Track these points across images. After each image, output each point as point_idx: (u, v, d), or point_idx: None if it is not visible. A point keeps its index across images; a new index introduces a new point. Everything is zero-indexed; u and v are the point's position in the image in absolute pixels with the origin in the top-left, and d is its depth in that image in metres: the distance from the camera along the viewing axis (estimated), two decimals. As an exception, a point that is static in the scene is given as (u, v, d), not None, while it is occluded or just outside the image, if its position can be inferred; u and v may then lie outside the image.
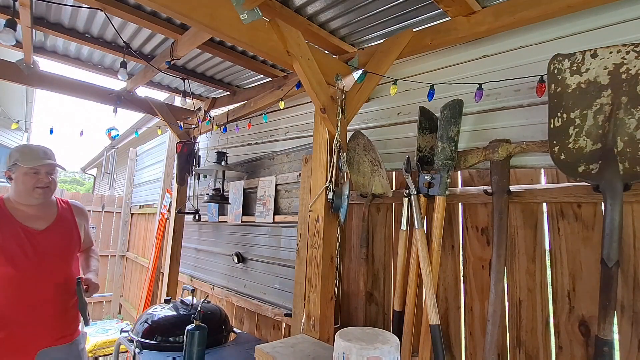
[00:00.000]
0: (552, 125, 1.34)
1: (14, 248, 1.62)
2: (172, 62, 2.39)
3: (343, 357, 1.12)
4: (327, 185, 1.85)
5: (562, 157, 1.33)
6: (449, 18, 1.71)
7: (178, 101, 3.60)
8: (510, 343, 1.52)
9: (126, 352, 2.33)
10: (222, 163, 3.10)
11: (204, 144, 3.98)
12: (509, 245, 1.56)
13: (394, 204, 2.06)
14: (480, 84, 1.60)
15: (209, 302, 2.69)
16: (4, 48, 2.47)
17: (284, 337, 2.47)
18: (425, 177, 1.73)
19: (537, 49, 1.60)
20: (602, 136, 1.27)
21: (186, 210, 3.57)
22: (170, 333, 2.26)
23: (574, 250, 1.40)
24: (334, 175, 1.85)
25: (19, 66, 2.62)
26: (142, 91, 3.35)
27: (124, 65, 2.40)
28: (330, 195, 1.82)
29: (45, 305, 1.71)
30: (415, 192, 1.74)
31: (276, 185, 2.79)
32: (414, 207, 1.73)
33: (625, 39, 1.37)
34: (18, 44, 2.40)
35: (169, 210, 4.18)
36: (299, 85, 2.23)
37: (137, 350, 2.14)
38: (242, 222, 3.12)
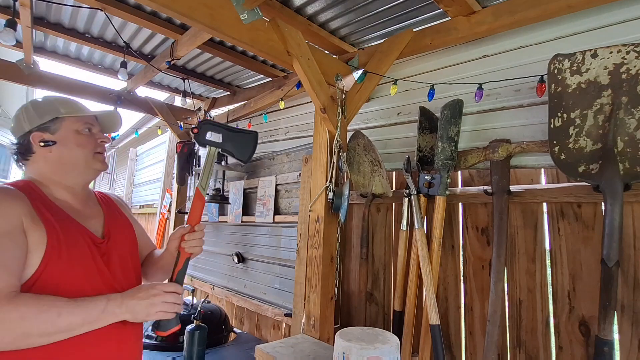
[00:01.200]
0: (552, 125, 1.34)
1: (93, 276, 0.98)
2: (172, 62, 2.39)
3: (343, 357, 1.12)
4: (327, 185, 1.85)
5: (563, 157, 1.33)
6: (449, 18, 1.71)
7: (178, 101, 3.60)
8: (510, 343, 1.52)
9: (126, 352, 2.33)
10: (222, 163, 3.10)
11: (204, 144, 3.97)
12: (509, 245, 1.56)
13: (394, 204, 2.06)
14: (481, 84, 1.60)
15: (209, 302, 2.69)
16: (4, 48, 2.47)
17: (284, 337, 2.47)
18: (426, 177, 1.73)
19: (537, 49, 1.60)
20: (602, 136, 1.27)
21: (186, 210, 3.56)
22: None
23: (574, 250, 1.40)
24: (334, 175, 1.85)
25: (19, 66, 2.62)
26: (142, 91, 3.35)
27: (124, 65, 2.40)
28: (330, 195, 1.82)
29: None
30: (415, 192, 1.74)
31: (276, 185, 2.79)
32: (414, 207, 1.73)
33: (626, 38, 1.37)
34: (18, 44, 2.40)
35: (169, 210, 4.18)
36: (299, 85, 2.23)
37: (137, 350, 2.14)
38: (242, 222, 3.12)
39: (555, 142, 1.34)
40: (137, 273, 1.19)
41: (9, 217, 0.88)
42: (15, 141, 1.05)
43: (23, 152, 1.04)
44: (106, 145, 1.13)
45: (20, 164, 1.07)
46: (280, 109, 2.80)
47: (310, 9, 1.85)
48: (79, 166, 1.05)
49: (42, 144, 1.02)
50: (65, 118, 1.05)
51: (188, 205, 3.64)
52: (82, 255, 0.97)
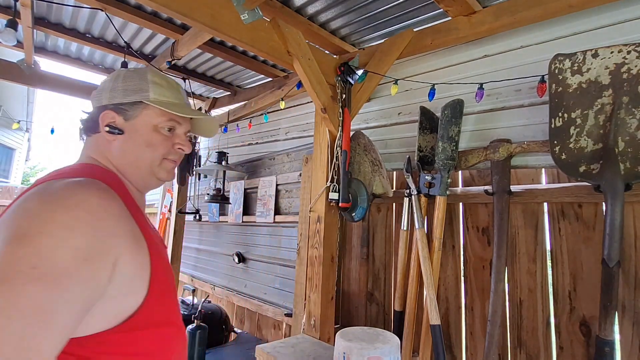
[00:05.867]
0: (553, 125, 1.34)
1: (173, 289, 0.81)
2: (172, 62, 2.39)
3: (344, 357, 1.12)
4: (328, 185, 1.85)
5: (563, 157, 1.33)
6: (449, 18, 1.70)
7: (179, 101, 3.61)
8: (511, 343, 1.52)
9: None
10: (223, 163, 3.10)
11: (205, 143, 3.98)
12: (510, 245, 1.56)
13: (394, 204, 2.06)
14: (481, 84, 1.59)
15: (209, 302, 2.69)
16: (5, 48, 2.48)
17: (284, 337, 2.47)
18: (426, 177, 1.73)
19: (538, 49, 1.60)
20: (603, 136, 1.27)
21: (187, 210, 3.57)
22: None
23: (575, 250, 1.40)
24: (334, 175, 1.86)
25: (20, 66, 2.63)
26: (143, 91, 3.34)
27: (124, 65, 2.40)
28: (334, 196, 1.84)
29: None
30: (415, 192, 1.74)
31: (277, 185, 2.79)
32: (414, 207, 1.72)
33: (627, 38, 1.37)
34: (19, 44, 2.40)
35: (169, 210, 4.18)
36: (299, 85, 2.23)
37: (137, 350, 2.15)
38: (242, 222, 3.12)
39: (556, 142, 1.34)
40: None
41: (102, 247, 0.61)
42: (89, 110, 0.85)
43: (88, 126, 0.83)
44: (186, 152, 0.88)
45: (82, 137, 0.85)
46: (281, 109, 2.80)
47: (311, 9, 1.85)
48: (140, 169, 0.82)
49: (107, 128, 0.80)
50: (150, 107, 0.82)
51: (189, 205, 3.65)
52: (161, 272, 0.75)
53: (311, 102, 2.55)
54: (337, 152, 1.88)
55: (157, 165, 0.83)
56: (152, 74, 0.85)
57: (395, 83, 1.80)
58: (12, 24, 1.91)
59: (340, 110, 1.89)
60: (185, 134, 0.89)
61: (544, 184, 1.52)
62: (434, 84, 1.71)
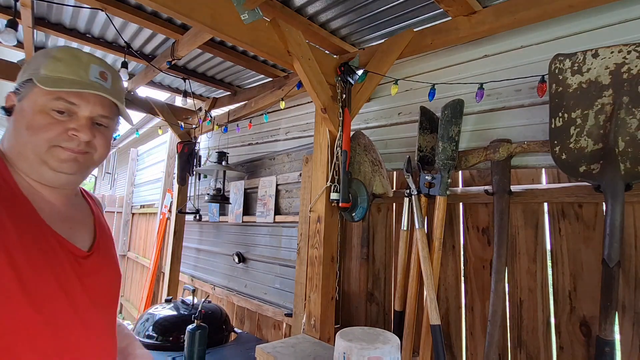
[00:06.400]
0: (553, 125, 1.34)
1: (53, 298, 0.69)
2: (172, 62, 2.39)
3: (344, 357, 1.12)
4: (329, 184, 1.85)
5: (563, 157, 1.33)
6: (449, 18, 1.70)
7: (179, 101, 3.61)
8: (511, 343, 1.52)
9: (127, 351, 2.33)
10: (223, 163, 3.10)
11: (205, 144, 3.98)
12: (510, 245, 1.56)
13: (394, 204, 2.06)
14: (481, 84, 1.59)
15: (209, 302, 2.69)
16: (5, 48, 2.48)
17: (284, 337, 2.47)
18: (426, 177, 1.73)
19: (538, 49, 1.60)
20: (604, 136, 1.27)
21: (187, 210, 3.57)
22: (171, 333, 2.27)
23: (575, 250, 1.40)
24: (340, 175, 1.86)
25: (20, 66, 2.63)
26: (143, 91, 3.35)
27: (125, 65, 2.40)
28: (335, 196, 1.84)
29: None
30: (416, 192, 1.74)
31: (277, 185, 2.79)
32: (414, 207, 1.72)
33: (627, 38, 1.37)
34: (19, 44, 2.40)
35: (169, 210, 4.19)
36: (299, 85, 2.23)
37: (138, 350, 2.14)
38: (242, 222, 3.12)
39: (556, 142, 1.34)
40: (115, 307, 0.85)
41: None
42: None
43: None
44: (82, 139, 0.73)
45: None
46: (281, 109, 2.80)
47: (311, 9, 1.85)
48: (25, 156, 0.71)
49: (2, 110, 0.74)
50: (35, 84, 0.71)
51: (189, 205, 3.65)
52: (35, 278, 0.65)
53: (311, 102, 2.55)
54: (337, 152, 1.88)
55: (44, 152, 0.70)
56: (61, 49, 0.76)
57: (396, 83, 1.80)
58: (13, 24, 1.91)
59: (340, 110, 1.89)
60: (89, 119, 0.74)
61: (544, 184, 1.52)
62: (434, 84, 1.71)
